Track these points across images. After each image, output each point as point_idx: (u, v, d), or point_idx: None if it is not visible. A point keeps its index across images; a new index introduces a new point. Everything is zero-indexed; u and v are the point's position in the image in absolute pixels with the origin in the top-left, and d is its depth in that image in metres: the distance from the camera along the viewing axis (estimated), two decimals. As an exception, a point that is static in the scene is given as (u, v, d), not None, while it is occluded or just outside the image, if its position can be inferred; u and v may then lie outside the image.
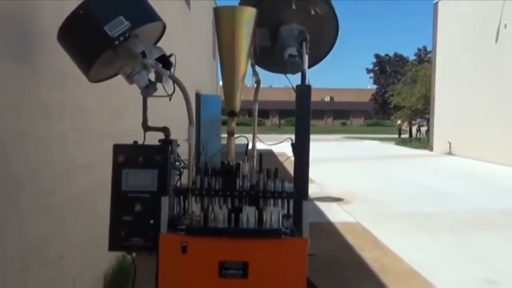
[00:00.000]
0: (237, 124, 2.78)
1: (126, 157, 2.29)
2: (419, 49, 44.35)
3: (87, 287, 3.64)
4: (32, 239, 2.71)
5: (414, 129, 35.81)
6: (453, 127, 20.97)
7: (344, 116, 72.62)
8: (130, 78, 2.29)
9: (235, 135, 2.55)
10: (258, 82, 2.95)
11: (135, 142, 2.39)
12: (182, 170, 2.45)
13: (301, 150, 2.38)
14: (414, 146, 27.03)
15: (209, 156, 2.86)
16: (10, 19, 2.45)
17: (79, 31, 2.24)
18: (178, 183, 2.43)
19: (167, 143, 2.36)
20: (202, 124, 11.36)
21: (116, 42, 2.15)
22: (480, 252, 5.94)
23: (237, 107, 2.66)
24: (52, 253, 3.00)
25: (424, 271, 5.06)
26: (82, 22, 2.21)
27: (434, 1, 23.62)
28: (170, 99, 2.32)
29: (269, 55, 2.67)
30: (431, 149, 23.76)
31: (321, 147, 21.71)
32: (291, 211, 2.26)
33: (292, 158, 2.44)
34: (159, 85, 2.30)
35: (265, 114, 64.26)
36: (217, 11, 2.43)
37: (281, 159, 11.28)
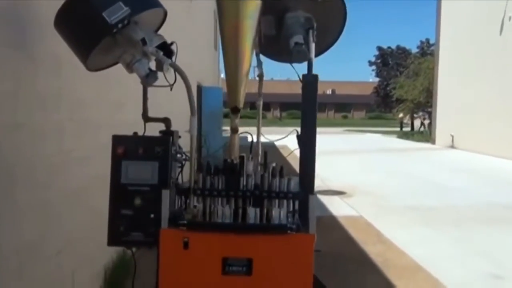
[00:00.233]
0: (240, 117, 2.70)
1: (126, 148, 2.21)
2: (421, 42, 44.18)
3: (87, 282, 3.58)
4: (28, 233, 2.64)
5: (417, 122, 35.68)
6: (455, 120, 20.86)
7: (346, 109, 72.49)
8: (129, 67, 2.20)
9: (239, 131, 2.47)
10: (261, 76, 2.86)
11: (135, 133, 2.31)
12: (183, 162, 2.37)
13: (307, 142, 2.29)
14: (416, 139, 26.93)
15: (211, 151, 2.78)
16: (3, 4, 2.35)
17: (77, 17, 2.15)
18: (180, 176, 2.35)
19: (168, 134, 2.28)
20: (204, 116, 11.29)
21: (115, 29, 2.06)
22: (485, 246, 5.88)
23: (241, 103, 2.58)
24: (49, 248, 2.93)
25: (429, 265, 5.00)
26: (79, 7, 2.13)
27: (438, -7, 23.43)
28: (171, 89, 2.24)
29: (274, 44, 2.58)
30: (433, 142, 23.66)
31: (322, 140, 21.37)
32: (296, 206, 2.18)
33: (296, 152, 2.36)
34: (159, 74, 2.22)
35: (266, 107, 64.16)
36: (220, 2, 2.31)
37: (282, 151, 11.23)
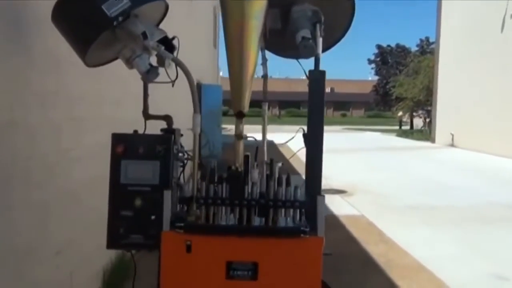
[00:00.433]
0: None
1: (126, 147, 2.12)
2: (421, 40, 44.23)
3: (85, 283, 3.50)
4: (26, 234, 2.56)
5: (416, 120, 35.65)
6: (455, 119, 20.81)
7: (345, 107, 72.39)
8: (130, 62, 2.13)
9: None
10: (265, 76, 2.78)
11: (135, 131, 2.23)
12: (185, 161, 2.29)
13: (314, 140, 2.20)
14: (416, 138, 26.90)
15: (212, 151, 2.70)
16: (0, 2, 2.26)
17: (75, 10, 2.07)
18: (182, 176, 2.27)
19: (170, 133, 2.19)
20: (203, 114, 11.23)
21: (115, 23, 1.98)
22: (488, 246, 5.82)
23: (246, 107, 2.48)
24: (47, 248, 2.85)
25: (431, 266, 4.94)
26: (77, 0, 2.05)
27: (438, -9, 23.35)
28: (173, 85, 2.15)
29: (279, 38, 2.48)
30: (433, 141, 23.62)
31: (322, 138, 21.52)
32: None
33: (299, 153, 2.28)
34: (161, 70, 2.13)
35: (265, 105, 64.04)
36: (224, 1, 2.22)
37: (282, 150, 11.15)
